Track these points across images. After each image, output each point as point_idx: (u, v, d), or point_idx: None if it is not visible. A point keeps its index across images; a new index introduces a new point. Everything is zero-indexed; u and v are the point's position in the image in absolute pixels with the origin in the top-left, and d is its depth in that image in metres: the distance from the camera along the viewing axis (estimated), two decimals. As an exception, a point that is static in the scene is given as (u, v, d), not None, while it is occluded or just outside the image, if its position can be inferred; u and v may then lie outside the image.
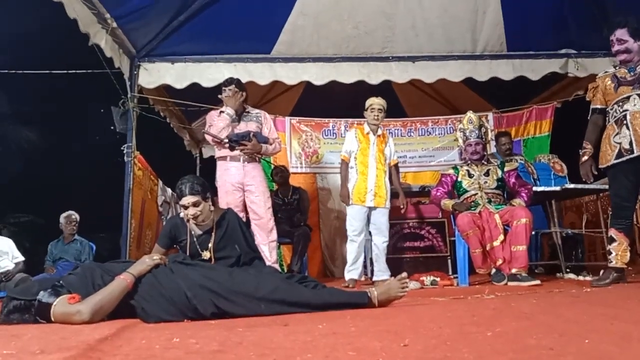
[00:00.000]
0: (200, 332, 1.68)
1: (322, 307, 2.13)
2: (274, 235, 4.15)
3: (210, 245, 2.98)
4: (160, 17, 5.13)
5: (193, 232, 3.00)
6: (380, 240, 4.50)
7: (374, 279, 4.49)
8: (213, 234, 2.99)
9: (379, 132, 4.66)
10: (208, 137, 4.24)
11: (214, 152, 4.45)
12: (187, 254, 2.97)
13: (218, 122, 4.12)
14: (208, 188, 3.03)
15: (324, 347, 1.32)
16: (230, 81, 4.26)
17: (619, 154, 3.29)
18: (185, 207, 2.92)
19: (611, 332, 1.42)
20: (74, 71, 5.70)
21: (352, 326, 1.65)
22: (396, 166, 4.93)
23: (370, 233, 4.63)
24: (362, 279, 4.66)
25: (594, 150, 3.52)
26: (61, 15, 4.11)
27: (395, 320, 1.80)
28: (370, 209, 4.49)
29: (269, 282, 2.16)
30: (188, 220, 2.99)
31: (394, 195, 4.73)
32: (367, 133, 4.64)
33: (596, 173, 3.49)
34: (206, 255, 2.96)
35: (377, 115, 4.59)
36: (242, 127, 4.19)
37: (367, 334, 1.49)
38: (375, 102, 4.63)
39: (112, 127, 5.47)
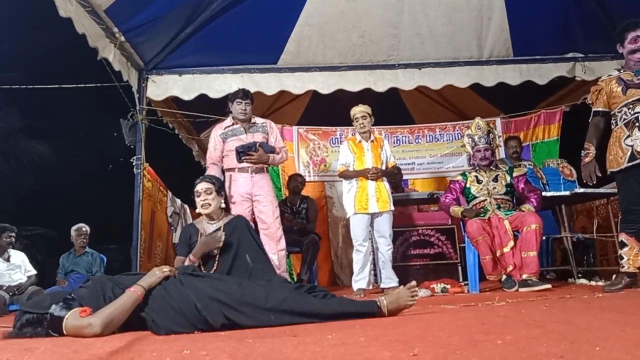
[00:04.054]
0: (210, 343, 1.68)
1: (332, 317, 2.12)
2: (283, 244, 4.17)
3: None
4: (167, 30, 5.19)
5: (203, 232, 3.10)
6: (385, 248, 4.45)
7: (382, 286, 4.47)
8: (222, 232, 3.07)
9: (372, 137, 4.62)
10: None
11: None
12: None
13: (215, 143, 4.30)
14: (223, 187, 3.23)
15: (333, 357, 1.33)
16: (245, 94, 4.30)
17: (632, 157, 3.25)
18: (198, 195, 3.10)
19: (623, 339, 1.40)
20: (83, 85, 5.77)
21: (361, 336, 1.64)
22: (397, 168, 4.85)
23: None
24: (370, 287, 4.64)
25: (596, 153, 3.47)
26: (70, 30, 4.16)
27: (404, 330, 1.80)
28: (373, 215, 4.45)
29: (278, 292, 2.16)
30: (199, 214, 3.14)
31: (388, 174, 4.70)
32: (359, 142, 4.61)
33: (600, 175, 3.43)
34: (214, 251, 3.03)
35: (363, 123, 4.56)
36: (249, 138, 4.21)
37: (376, 344, 1.49)
38: (358, 111, 4.60)
39: (114, 135, 5.53)
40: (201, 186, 3.12)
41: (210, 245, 2.98)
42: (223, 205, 3.18)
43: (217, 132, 4.32)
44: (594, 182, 3.51)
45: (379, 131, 6.96)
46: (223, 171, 4.32)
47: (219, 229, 3.07)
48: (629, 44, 3.38)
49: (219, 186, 3.18)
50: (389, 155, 4.69)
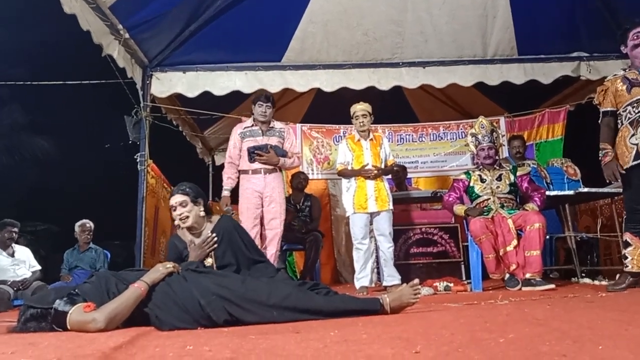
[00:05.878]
0: (213, 339, 1.69)
1: (334, 314, 2.13)
2: (278, 245, 4.31)
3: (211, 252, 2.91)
4: (171, 27, 5.19)
5: (193, 246, 2.89)
6: (386, 246, 4.44)
7: (384, 284, 4.48)
8: None
9: (370, 136, 4.61)
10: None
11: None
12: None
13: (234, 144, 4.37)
14: (201, 194, 2.95)
15: (336, 354, 1.33)
16: (267, 97, 4.38)
17: (637, 156, 3.22)
18: (174, 209, 2.87)
19: (626, 338, 1.40)
20: (87, 81, 5.79)
21: (363, 333, 1.65)
22: (400, 166, 4.84)
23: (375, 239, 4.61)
24: (373, 285, 4.64)
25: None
26: (75, 27, 4.17)
27: (407, 327, 1.80)
28: (373, 214, 4.45)
29: (281, 289, 2.16)
30: (179, 227, 2.92)
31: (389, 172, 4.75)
32: (358, 140, 4.60)
33: (624, 172, 3.31)
34: (209, 262, 2.88)
35: (363, 122, 4.55)
36: (264, 141, 4.31)
37: (378, 341, 1.49)
38: (359, 109, 4.59)
39: (118, 131, 5.56)
40: (174, 199, 2.86)
41: (204, 252, 2.83)
42: (203, 214, 2.90)
43: (236, 130, 4.43)
44: (618, 181, 3.40)
45: (382, 129, 6.97)
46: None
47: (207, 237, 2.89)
48: (630, 41, 3.37)
49: (195, 194, 2.90)
50: (388, 154, 4.67)
